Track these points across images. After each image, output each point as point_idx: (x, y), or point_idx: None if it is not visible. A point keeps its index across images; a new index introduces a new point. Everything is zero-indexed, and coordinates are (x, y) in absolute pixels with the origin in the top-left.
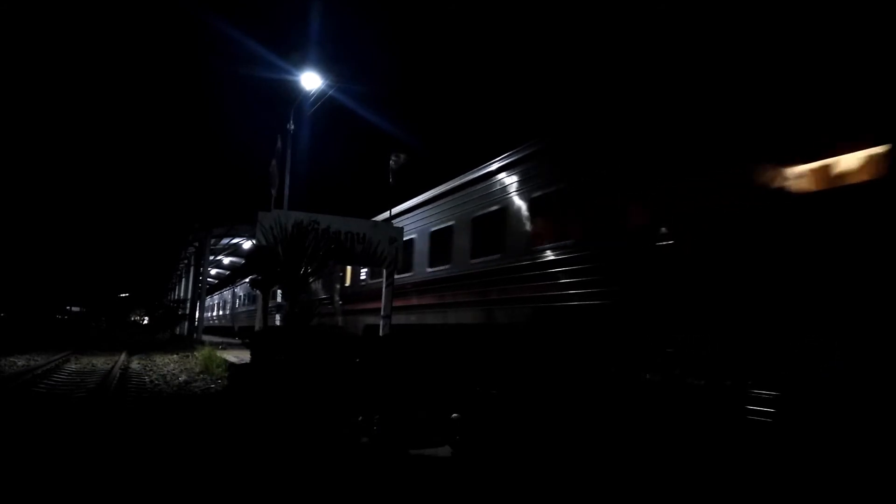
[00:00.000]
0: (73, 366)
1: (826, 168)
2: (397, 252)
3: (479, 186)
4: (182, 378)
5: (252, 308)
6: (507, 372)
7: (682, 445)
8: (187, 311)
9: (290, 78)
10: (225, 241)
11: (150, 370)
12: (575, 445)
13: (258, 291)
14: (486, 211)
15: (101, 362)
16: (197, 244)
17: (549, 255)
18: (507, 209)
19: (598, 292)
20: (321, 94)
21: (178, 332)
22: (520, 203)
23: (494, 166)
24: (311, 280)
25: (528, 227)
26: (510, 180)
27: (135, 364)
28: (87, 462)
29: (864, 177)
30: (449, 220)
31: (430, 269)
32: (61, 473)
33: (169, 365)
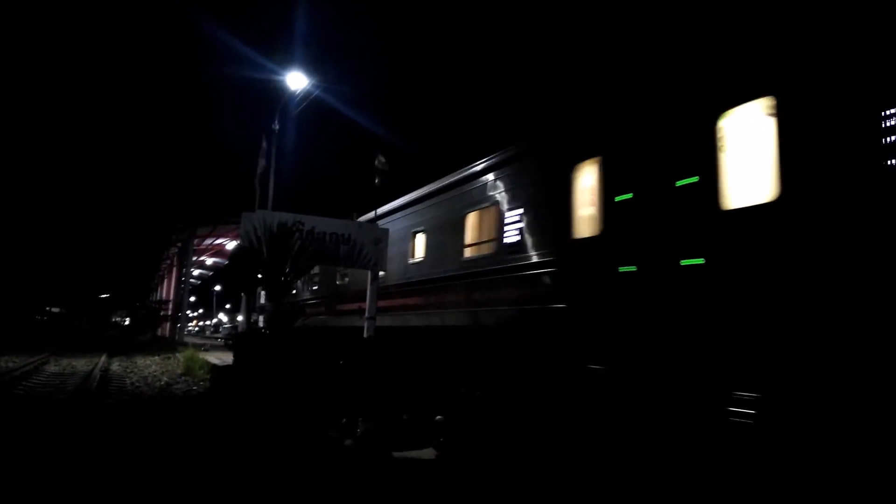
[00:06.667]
0: (52, 368)
1: None
2: (382, 253)
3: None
4: (164, 380)
5: None
6: (491, 374)
7: (667, 447)
8: (169, 313)
9: (276, 78)
10: (208, 241)
11: (132, 372)
12: (559, 447)
13: None
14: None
15: (80, 364)
16: (180, 245)
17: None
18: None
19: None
20: (307, 95)
21: (159, 334)
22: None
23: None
24: (294, 281)
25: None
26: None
27: (115, 366)
28: (65, 466)
29: None
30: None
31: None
32: (37, 478)
33: (150, 367)
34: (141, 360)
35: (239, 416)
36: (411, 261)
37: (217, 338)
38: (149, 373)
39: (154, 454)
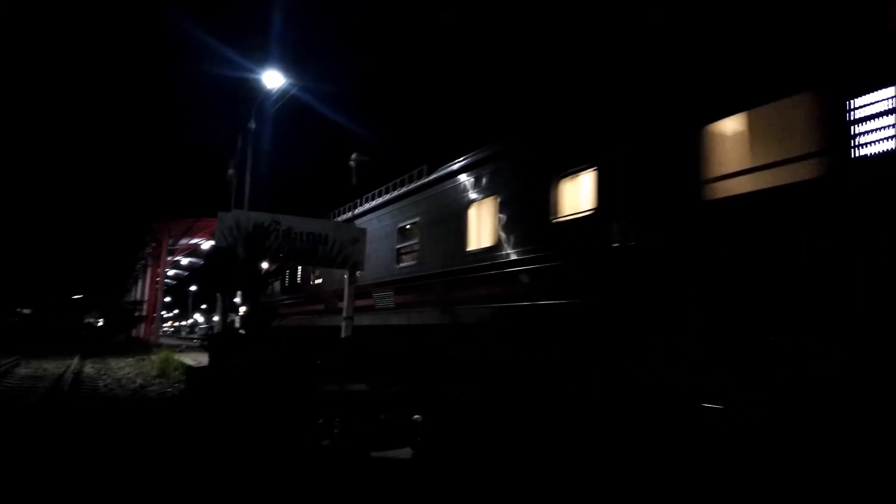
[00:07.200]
0: (23, 370)
1: None
2: (360, 253)
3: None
4: (138, 382)
5: None
6: (468, 373)
7: (643, 447)
8: (144, 313)
9: (253, 76)
10: (184, 241)
11: (105, 374)
12: (536, 447)
13: None
14: None
15: (52, 366)
16: (154, 244)
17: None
18: None
19: None
20: (284, 93)
21: (133, 335)
22: None
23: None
24: (270, 281)
25: None
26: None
27: (88, 368)
28: (36, 469)
29: None
30: None
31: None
32: (8, 483)
33: (124, 369)
34: (115, 362)
35: (214, 417)
36: (554, 219)
37: (193, 339)
38: (122, 374)
39: (125, 457)
